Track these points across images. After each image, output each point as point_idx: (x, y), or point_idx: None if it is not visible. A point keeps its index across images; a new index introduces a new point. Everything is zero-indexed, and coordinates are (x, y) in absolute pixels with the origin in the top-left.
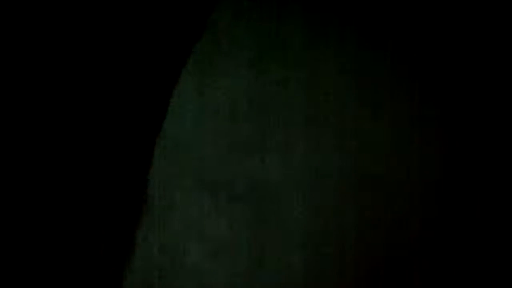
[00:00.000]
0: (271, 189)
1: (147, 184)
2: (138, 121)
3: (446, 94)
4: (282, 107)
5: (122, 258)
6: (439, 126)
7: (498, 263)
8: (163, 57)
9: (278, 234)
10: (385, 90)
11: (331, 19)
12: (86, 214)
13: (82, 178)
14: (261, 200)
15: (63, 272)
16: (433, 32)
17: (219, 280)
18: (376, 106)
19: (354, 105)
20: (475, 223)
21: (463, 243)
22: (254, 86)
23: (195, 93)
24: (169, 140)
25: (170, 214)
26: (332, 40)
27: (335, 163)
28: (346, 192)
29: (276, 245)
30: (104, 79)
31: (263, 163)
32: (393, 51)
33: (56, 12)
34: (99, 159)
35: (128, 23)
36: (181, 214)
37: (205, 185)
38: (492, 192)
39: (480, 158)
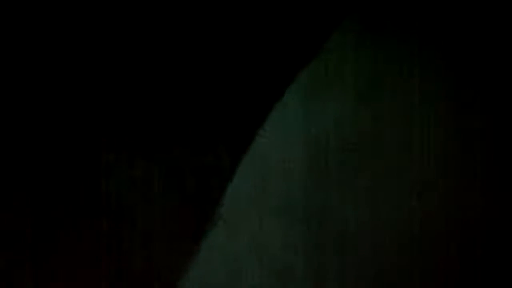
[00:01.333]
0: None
1: (223, 196)
2: (229, 131)
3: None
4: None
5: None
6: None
7: None
8: (268, 73)
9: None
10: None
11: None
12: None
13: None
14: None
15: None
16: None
17: None
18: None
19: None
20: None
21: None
22: (361, 117)
23: (300, 118)
24: (258, 160)
25: (237, 230)
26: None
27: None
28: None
29: (333, 274)
30: (212, 79)
31: (342, 203)
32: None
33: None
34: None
35: (245, 32)
36: (247, 232)
37: (278, 211)
38: None
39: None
